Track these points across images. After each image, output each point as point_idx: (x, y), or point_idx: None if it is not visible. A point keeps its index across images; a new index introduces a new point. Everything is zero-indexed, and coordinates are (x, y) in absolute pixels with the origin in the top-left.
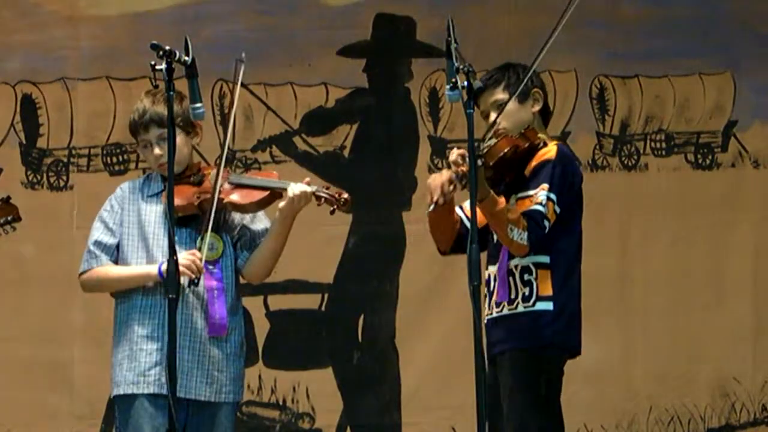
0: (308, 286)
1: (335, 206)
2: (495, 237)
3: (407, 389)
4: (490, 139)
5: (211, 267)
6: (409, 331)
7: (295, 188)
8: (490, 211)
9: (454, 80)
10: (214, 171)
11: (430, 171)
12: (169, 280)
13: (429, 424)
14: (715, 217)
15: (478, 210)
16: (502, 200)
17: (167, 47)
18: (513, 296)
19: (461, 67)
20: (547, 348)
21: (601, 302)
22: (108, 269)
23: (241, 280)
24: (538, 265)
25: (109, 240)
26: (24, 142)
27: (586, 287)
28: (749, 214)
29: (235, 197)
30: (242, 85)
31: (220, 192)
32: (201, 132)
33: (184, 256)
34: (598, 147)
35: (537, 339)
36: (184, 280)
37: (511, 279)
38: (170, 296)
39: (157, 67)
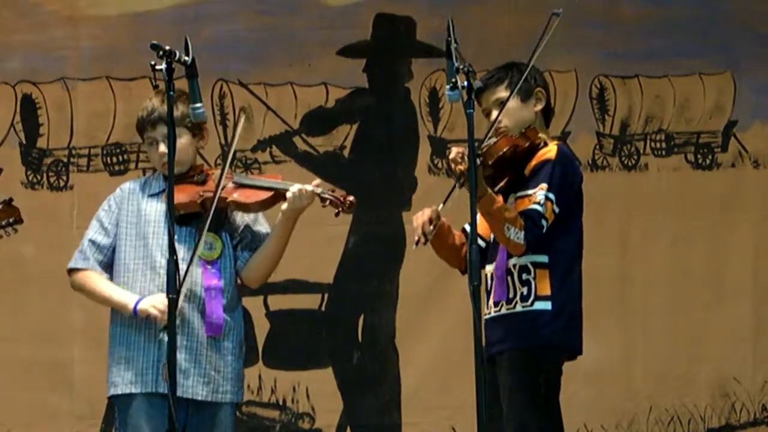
0: (308, 286)
1: (340, 208)
2: (492, 236)
3: (407, 389)
4: (491, 137)
5: (209, 267)
6: (409, 331)
7: (296, 187)
8: (488, 209)
9: (454, 80)
10: (218, 170)
11: (430, 171)
12: (169, 279)
13: (429, 424)
14: (715, 217)
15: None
16: (499, 199)
17: (167, 47)
18: (511, 296)
19: (461, 67)
20: (545, 348)
21: (601, 302)
22: (95, 282)
23: (239, 283)
24: (537, 265)
25: (104, 240)
26: (24, 142)
27: (586, 287)
28: (749, 214)
29: (239, 196)
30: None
31: (222, 190)
32: (207, 136)
33: (161, 301)
34: (598, 147)
35: (535, 339)
36: (159, 324)
37: (509, 278)
38: (170, 296)
39: (157, 67)
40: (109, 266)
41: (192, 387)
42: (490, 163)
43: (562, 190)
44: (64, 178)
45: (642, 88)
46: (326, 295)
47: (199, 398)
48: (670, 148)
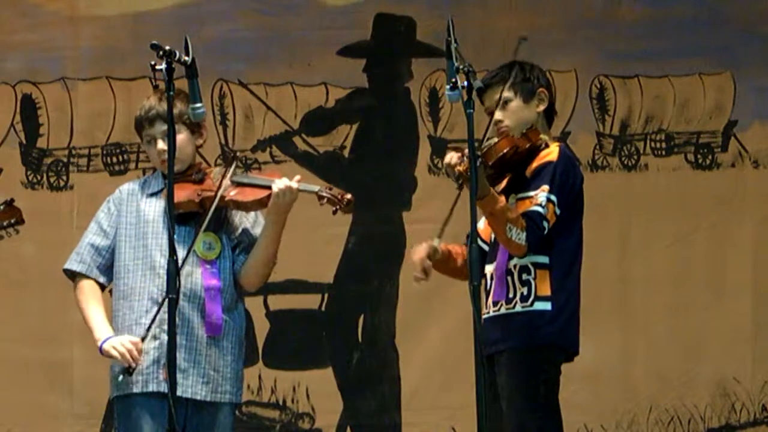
0: (308, 286)
1: (337, 207)
2: (493, 236)
3: (407, 389)
4: (492, 137)
5: (209, 266)
6: (409, 331)
7: (279, 183)
8: (490, 209)
9: (454, 80)
10: (217, 169)
11: (430, 171)
12: (169, 279)
13: (429, 424)
14: (715, 217)
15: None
16: (502, 199)
17: (167, 47)
18: (511, 296)
19: (461, 67)
20: (544, 348)
21: (601, 302)
22: (85, 300)
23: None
24: (537, 265)
25: (102, 242)
26: (24, 142)
27: (586, 287)
28: (749, 214)
29: (237, 195)
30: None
31: (221, 188)
32: (206, 134)
33: (122, 343)
34: (598, 147)
35: (535, 339)
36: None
37: (509, 278)
38: (170, 296)
39: (157, 67)
40: (109, 268)
41: (191, 387)
42: (490, 163)
43: (563, 192)
44: (64, 178)
45: (642, 88)
46: (326, 295)
47: (199, 398)
48: (670, 148)
